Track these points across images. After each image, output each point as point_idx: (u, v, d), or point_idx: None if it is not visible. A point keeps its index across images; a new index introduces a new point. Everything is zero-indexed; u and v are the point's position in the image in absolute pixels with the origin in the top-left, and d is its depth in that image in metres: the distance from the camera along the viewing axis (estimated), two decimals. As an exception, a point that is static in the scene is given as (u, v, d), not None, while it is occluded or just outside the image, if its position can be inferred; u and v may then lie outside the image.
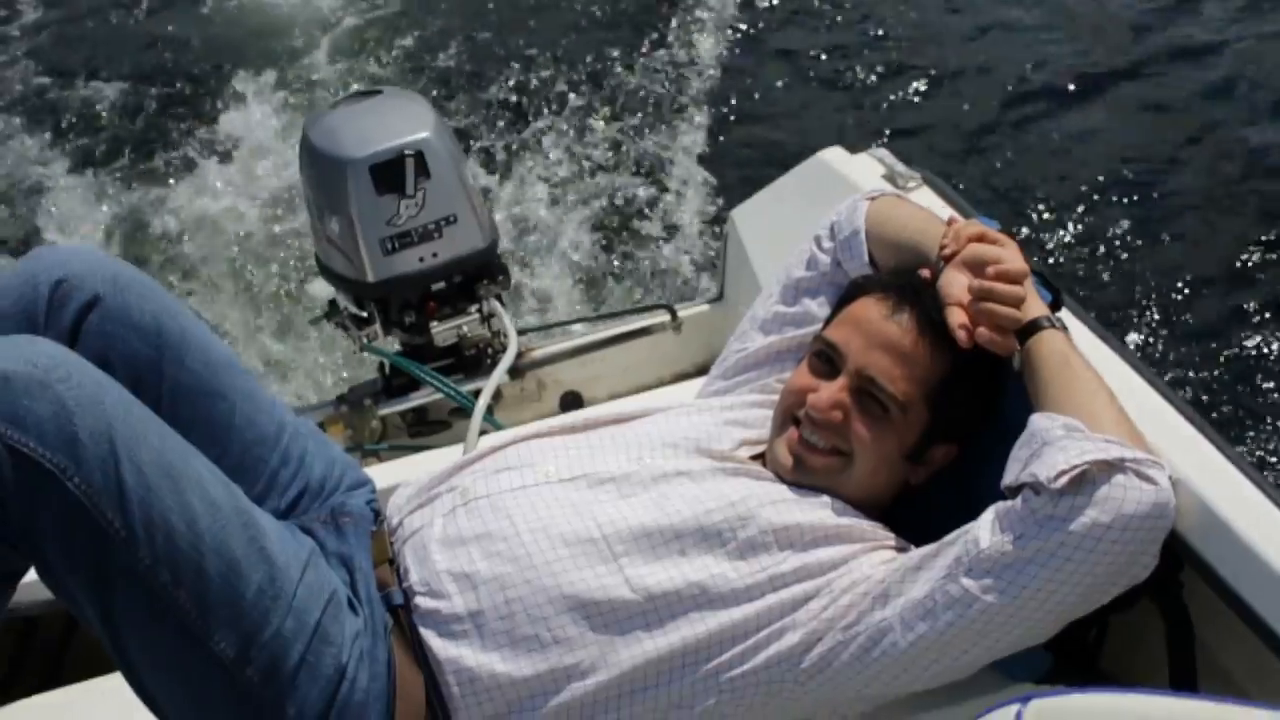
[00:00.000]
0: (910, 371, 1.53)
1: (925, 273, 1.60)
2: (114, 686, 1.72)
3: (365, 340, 2.57)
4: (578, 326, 2.95)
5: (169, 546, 1.31)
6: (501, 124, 5.00)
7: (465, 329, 2.56)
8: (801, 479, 1.57)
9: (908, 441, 1.55)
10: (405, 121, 2.42)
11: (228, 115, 5.37)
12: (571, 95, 5.13)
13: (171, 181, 4.99)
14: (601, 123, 4.93)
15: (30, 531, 1.28)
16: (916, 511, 1.60)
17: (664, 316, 2.67)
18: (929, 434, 1.56)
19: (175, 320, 1.60)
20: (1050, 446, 1.34)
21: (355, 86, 5.35)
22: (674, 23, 5.65)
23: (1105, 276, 3.79)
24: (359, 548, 1.56)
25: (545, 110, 5.11)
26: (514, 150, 4.82)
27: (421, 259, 2.44)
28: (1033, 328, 1.48)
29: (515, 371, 2.59)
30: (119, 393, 1.36)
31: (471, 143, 4.85)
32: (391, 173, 2.37)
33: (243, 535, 1.38)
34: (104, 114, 5.48)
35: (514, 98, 5.18)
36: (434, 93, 5.28)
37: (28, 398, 1.26)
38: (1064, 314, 1.58)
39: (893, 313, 1.56)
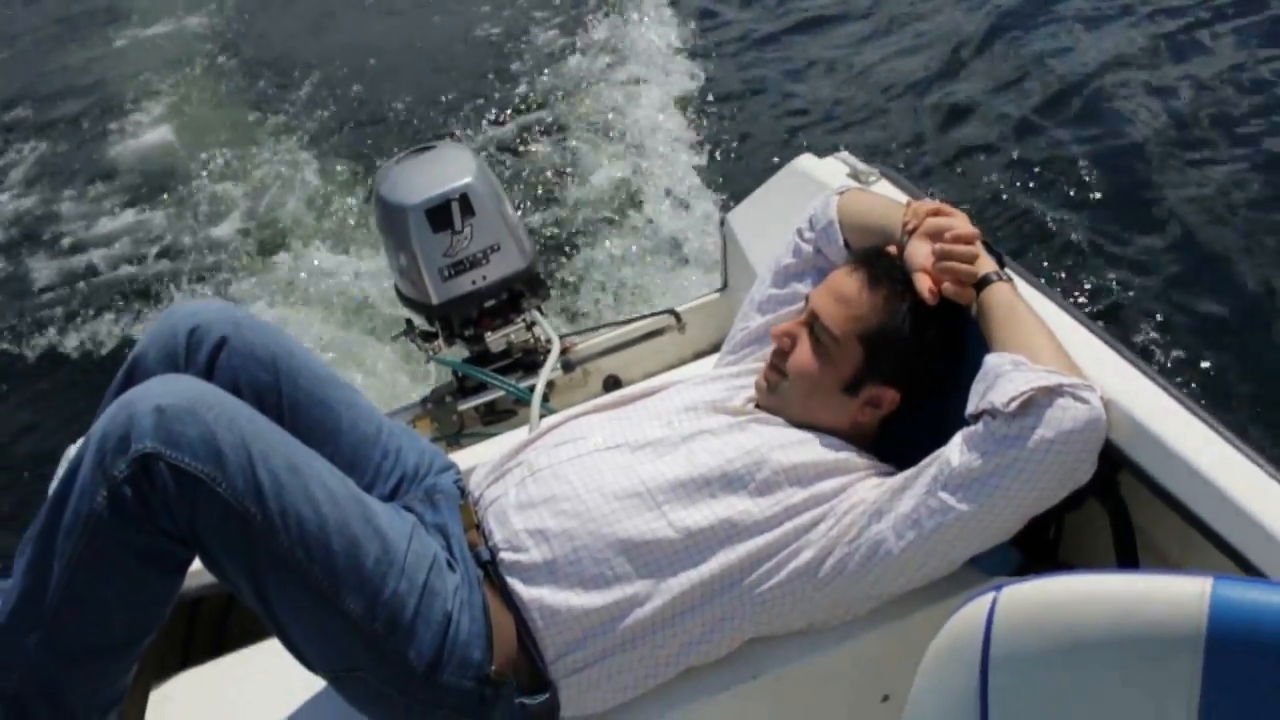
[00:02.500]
0: (848, 313, 1.57)
1: (892, 249, 1.64)
2: (269, 650, 1.75)
3: (431, 353, 2.61)
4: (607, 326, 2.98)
5: (301, 531, 1.36)
6: (523, 168, 5.02)
7: (513, 336, 2.60)
8: (761, 396, 1.65)
9: (843, 374, 1.58)
10: (451, 170, 2.45)
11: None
12: (573, 138, 5.17)
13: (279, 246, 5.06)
14: (603, 158, 4.97)
15: (193, 529, 1.33)
16: (900, 444, 1.62)
17: (670, 320, 2.70)
18: (862, 371, 1.58)
19: (287, 350, 1.65)
20: (1002, 378, 1.37)
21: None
22: (639, 53, 5.68)
23: (1046, 241, 3.82)
24: (451, 518, 1.59)
25: (551, 145, 5.17)
26: (533, 183, 4.85)
27: (474, 282, 2.47)
28: (985, 281, 1.52)
29: (566, 365, 2.62)
30: (250, 413, 1.41)
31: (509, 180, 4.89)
32: (442, 214, 2.40)
33: (359, 517, 1.42)
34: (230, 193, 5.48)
35: (524, 140, 5.20)
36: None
37: (180, 424, 1.32)
38: (1008, 271, 1.60)
39: (850, 272, 1.61)
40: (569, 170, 4.94)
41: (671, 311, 2.70)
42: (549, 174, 4.96)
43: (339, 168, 5.63)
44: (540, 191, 4.86)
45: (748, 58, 5.57)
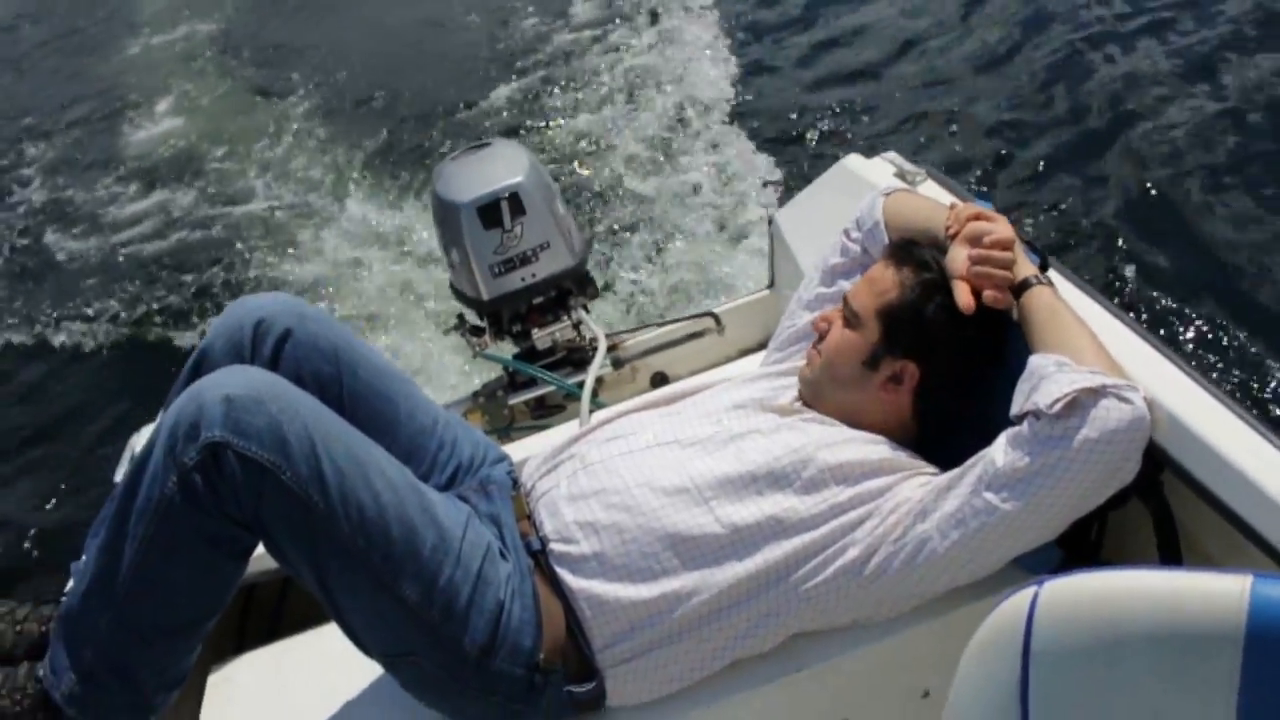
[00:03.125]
0: (870, 289, 1.64)
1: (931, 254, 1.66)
2: (322, 635, 1.82)
3: (479, 348, 2.64)
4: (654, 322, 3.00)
5: (361, 518, 1.40)
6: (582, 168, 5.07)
7: (559, 334, 2.63)
8: (802, 383, 1.70)
9: (864, 349, 1.62)
10: (503, 169, 2.49)
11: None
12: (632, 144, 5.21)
13: (331, 234, 5.15)
14: (657, 153, 5.00)
15: (259, 515, 1.38)
16: (945, 445, 1.63)
17: (710, 323, 2.72)
18: (880, 344, 1.61)
19: (348, 343, 1.70)
20: (1046, 380, 1.38)
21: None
22: (685, 63, 5.69)
23: (1088, 240, 3.79)
24: (504, 508, 1.63)
25: (598, 143, 5.22)
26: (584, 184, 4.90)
27: (523, 279, 2.50)
28: (1024, 285, 1.53)
29: (615, 362, 2.64)
30: (313, 403, 1.46)
31: (560, 176, 4.94)
32: (493, 212, 2.44)
33: (417, 505, 1.47)
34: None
35: (580, 140, 5.25)
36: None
37: (247, 414, 1.36)
38: (1051, 273, 1.61)
39: (884, 260, 1.67)
40: (617, 168, 4.99)
41: (711, 314, 2.72)
42: (596, 171, 5.01)
43: (394, 165, 5.71)
44: (588, 188, 4.90)
45: (797, 56, 5.56)
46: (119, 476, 2.39)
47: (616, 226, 4.57)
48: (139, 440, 2.48)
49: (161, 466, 1.38)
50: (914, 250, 1.65)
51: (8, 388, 5.12)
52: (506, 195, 2.44)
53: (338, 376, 1.66)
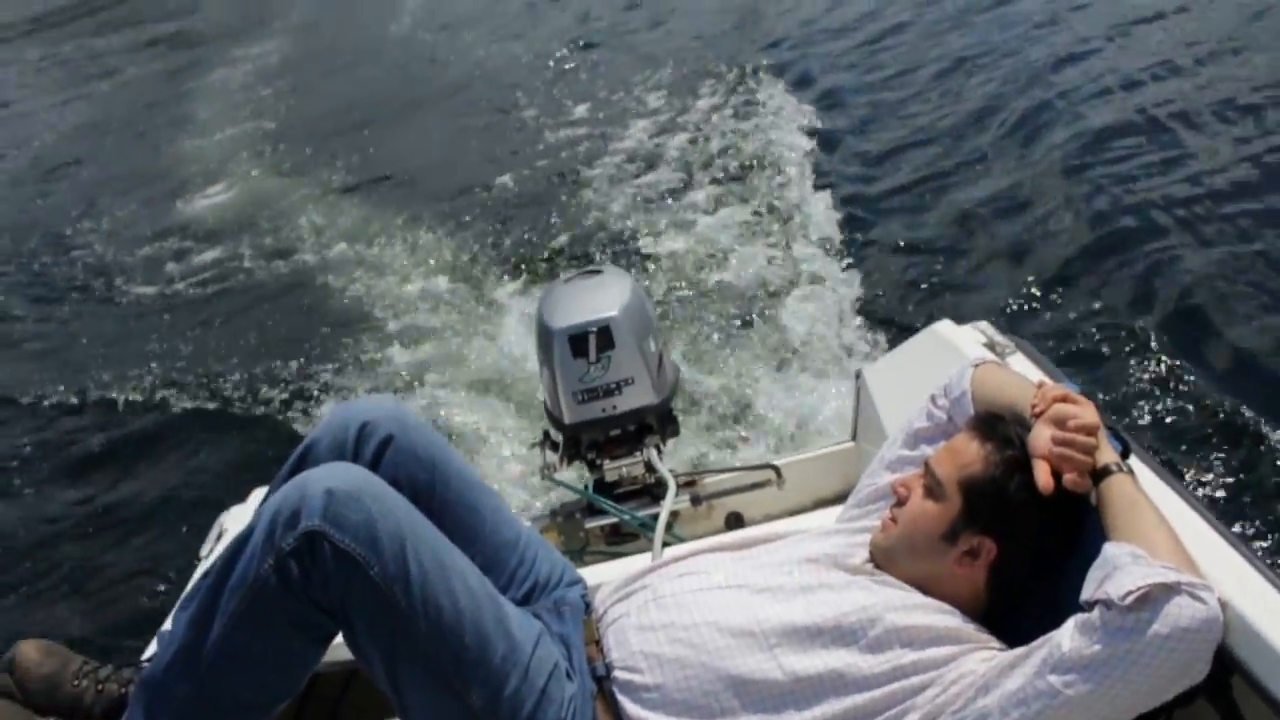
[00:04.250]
0: (953, 460, 1.64)
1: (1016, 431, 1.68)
2: None
3: (548, 473, 2.70)
4: (737, 462, 3.03)
5: (439, 620, 1.46)
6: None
7: (626, 469, 2.67)
8: (876, 546, 1.71)
9: (945, 521, 1.63)
10: (602, 301, 2.57)
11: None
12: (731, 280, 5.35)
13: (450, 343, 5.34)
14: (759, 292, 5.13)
15: (344, 606, 1.45)
16: (1012, 622, 1.63)
17: (770, 475, 2.73)
18: (961, 518, 1.61)
19: (444, 454, 1.79)
20: (1120, 570, 1.39)
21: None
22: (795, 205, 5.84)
23: (1172, 423, 3.75)
24: (574, 631, 1.68)
25: (696, 283, 5.37)
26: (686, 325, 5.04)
27: (604, 410, 2.57)
28: (1104, 472, 1.54)
29: (693, 499, 2.67)
30: (407, 506, 1.54)
31: (669, 320, 5.07)
32: (581, 343, 2.51)
33: (493, 616, 1.52)
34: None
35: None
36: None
37: (345, 508, 1.45)
38: (1133, 459, 1.62)
39: (968, 432, 1.69)
40: (718, 299, 5.11)
41: (773, 467, 2.73)
42: (699, 300, 5.14)
43: (505, 265, 5.94)
44: (687, 314, 5.04)
45: (903, 217, 5.66)
46: (205, 551, 2.49)
47: (707, 354, 4.66)
48: (228, 519, 2.58)
49: (260, 548, 1.47)
50: (999, 425, 1.68)
51: (107, 454, 5.34)
52: (596, 329, 2.52)
53: (431, 484, 1.74)
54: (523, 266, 6.14)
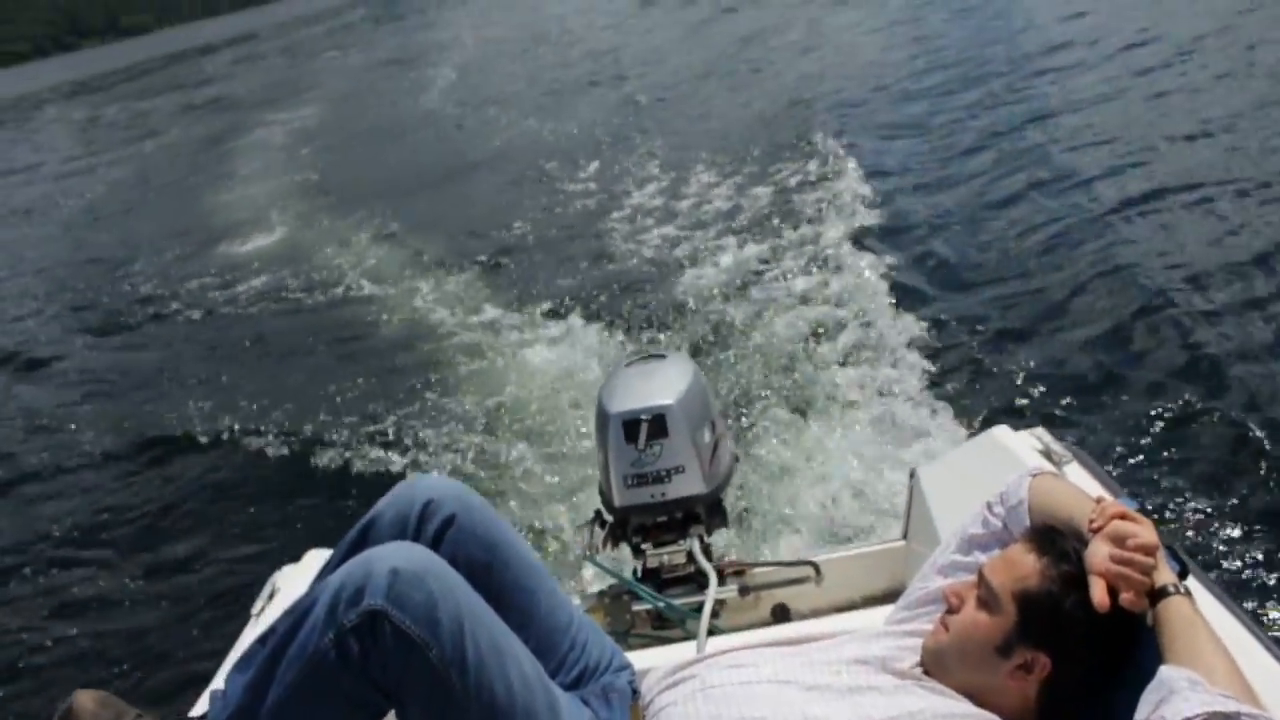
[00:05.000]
0: (1009, 571, 1.63)
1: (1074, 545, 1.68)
2: None
3: (590, 554, 2.70)
4: (784, 551, 3.02)
5: (492, 706, 1.49)
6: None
7: (668, 558, 2.68)
8: (926, 653, 1.69)
9: (998, 634, 1.61)
10: (660, 388, 2.60)
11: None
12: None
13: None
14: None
15: (400, 685, 1.48)
16: None
17: (809, 571, 2.71)
18: (1015, 632, 1.60)
19: (504, 537, 1.82)
20: (1176, 695, 1.38)
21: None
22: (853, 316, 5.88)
23: (1231, 545, 3.66)
24: (622, 718, 1.70)
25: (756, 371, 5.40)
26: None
27: (652, 496, 2.59)
28: (1162, 593, 1.53)
29: (742, 589, 2.66)
30: (466, 588, 1.57)
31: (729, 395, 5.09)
32: (634, 429, 2.55)
33: (544, 703, 1.55)
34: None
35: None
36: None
37: (409, 588, 1.48)
38: (1191, 581, 1.61)
39: (1024, 544, 1.68)
40: (768, 396, 5.12)
41: (812, 563, 2.72)
42: (759, 388, 5.17)
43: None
44: (745, 399, 5.07)
45: (963, 321, 5.65)
46: (257, 609, 2.52)
47: (761, 440, 4.67)
48: (280, 578, 2.61)
49: (322, 622, 1.50)
50: (1056, 539, 1.67)
51: (162, 505, 5.45)
52: (650, 416, 2.55)
53: (489, 566, 1.78)
54: (595, 333, 6.21)
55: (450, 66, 22.33)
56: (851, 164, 8.70)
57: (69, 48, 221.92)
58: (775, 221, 7.74)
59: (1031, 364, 5.05)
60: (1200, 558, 3.43)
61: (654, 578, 2.69)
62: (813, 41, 16.67)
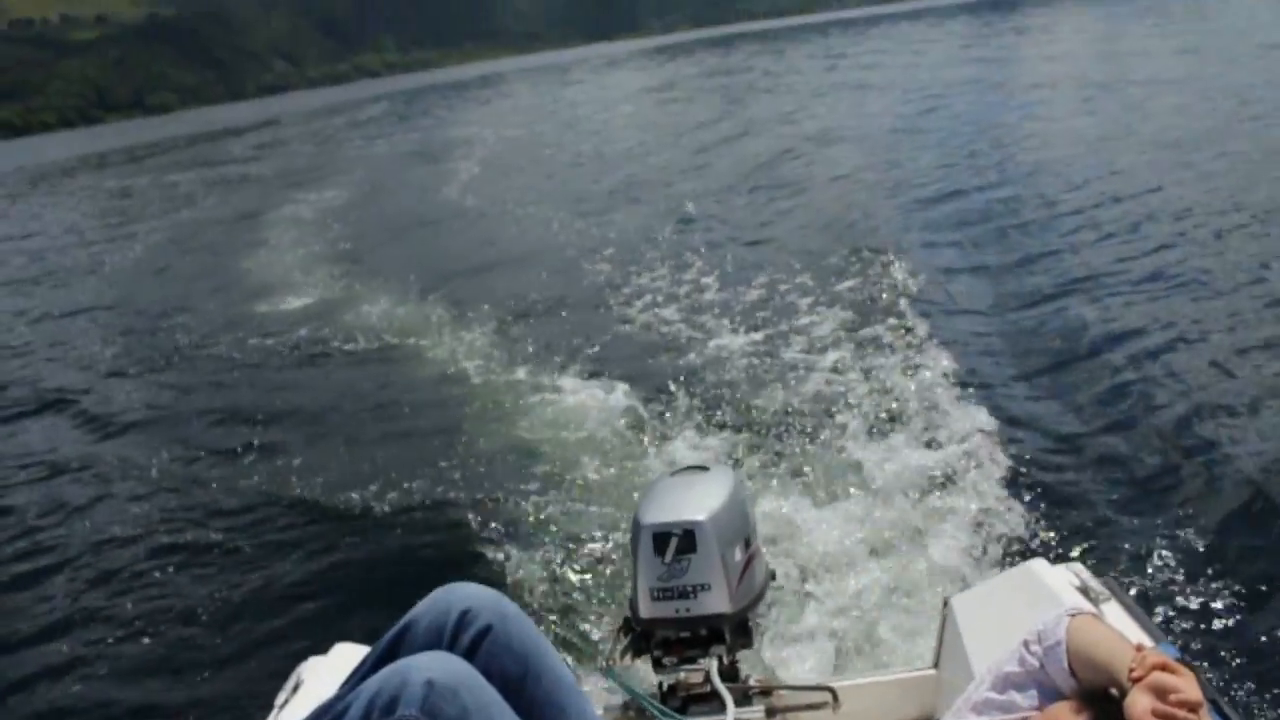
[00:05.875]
0: None
1: (1114, 691, 1.66)
2: None
3: (608, 664, 2.68)
4: (808, 679, 2.98)
5: None
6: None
7: (685, 675, 2.64)
8: None
9: None
10: (696, 503, 2.59)
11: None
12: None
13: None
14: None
15: None
16: None
17: (826, 697, 2.65)
18: None
19: (539, 649, 1.82)
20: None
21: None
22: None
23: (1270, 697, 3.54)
24: None
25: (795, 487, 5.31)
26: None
27: (676, 611, 2.57)
28: None
29: (769, 710, 2.62)
30: (500, 704, 1.57)
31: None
32: (663, 542, 2.54)
33: None
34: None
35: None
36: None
37: (443, 699, 1.49)
38: None
39: (1073, 711, 1.65)
40: (803, 509, 5.03)
41: (829, 689, 2.68)
42: (789, 512, 5.05)
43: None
44: (785, 517, 4.95)
45: (998, 443, 5.56)
46: (280, 700, 2.49)
47: (792, 551, 4.61)
48: (306, 670, 2.57)
49: None
50: (1108, 712, 1.63)
51: (187, 585, 5.39)
52: (680, 531, 2.54)
53: (523, 678, 1.77)
54: (641, 432, 6.21)
55: (473, 161, 22.92)
56: (892, 265, 8.86)
57: (94, 120, 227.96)
58: (808, 330, 7.77)
59: (1070, 496, 4.97)
60: (1249, 717, 3.34)
61: (674, 694, 2.67)
62: (834, 127, 16.99)
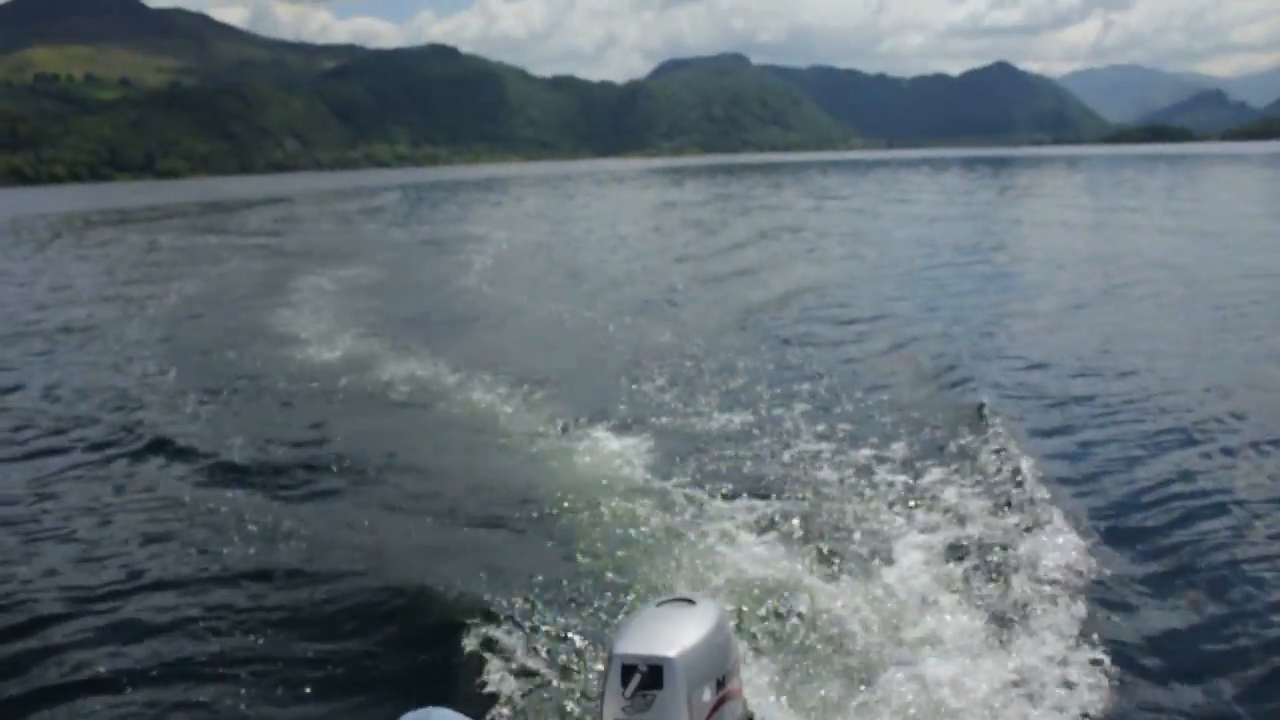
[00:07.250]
0: None
1: None
2: None
3: None
4: None
5: None
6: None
7: None
8: None
9: None
10: (671, 638, 2.54)
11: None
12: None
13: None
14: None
15: None
16: None
17: None
18: None
19: None
20: None
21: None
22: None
23: None
24: None
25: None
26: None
27: None
28: None
29: None
30: None
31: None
32: (630, 674, 2.48)
33: None
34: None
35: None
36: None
37: None
38: None
39: None
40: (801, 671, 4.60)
41: None
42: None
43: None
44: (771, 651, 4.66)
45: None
46: None
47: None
48: None
49: None
50: None
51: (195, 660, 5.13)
52: (645, 667, 2.47)
53: None
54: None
55: (486, 256, 23.17)
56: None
57: (103, 178, 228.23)
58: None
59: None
60: None
61: None
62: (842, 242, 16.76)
